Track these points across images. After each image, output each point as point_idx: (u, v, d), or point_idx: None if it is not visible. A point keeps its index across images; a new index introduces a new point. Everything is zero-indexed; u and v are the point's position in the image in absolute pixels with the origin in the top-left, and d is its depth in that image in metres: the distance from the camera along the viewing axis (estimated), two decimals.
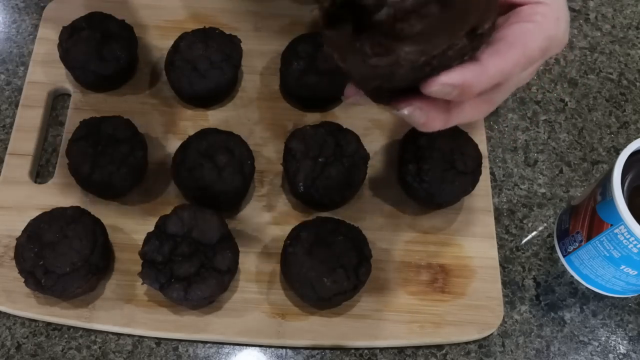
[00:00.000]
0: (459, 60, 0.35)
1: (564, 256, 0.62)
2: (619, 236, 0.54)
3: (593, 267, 0.58)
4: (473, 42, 0.34)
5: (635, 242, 0.53)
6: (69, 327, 0.57)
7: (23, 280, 0.54)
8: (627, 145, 0.55)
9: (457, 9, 0.32)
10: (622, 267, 0.56)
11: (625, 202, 0.53)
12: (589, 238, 0.57)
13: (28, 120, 0.65)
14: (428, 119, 0.39)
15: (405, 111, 0.39)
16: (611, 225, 0.54)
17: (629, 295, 0.61)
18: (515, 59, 0.38)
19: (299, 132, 0.60)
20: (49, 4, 0.71)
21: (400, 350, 0.58)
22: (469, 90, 0.37)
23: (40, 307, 0.57)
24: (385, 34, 0.32)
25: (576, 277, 0.61)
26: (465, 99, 0.39)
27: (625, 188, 0.55)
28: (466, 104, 0.40)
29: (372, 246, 0.57)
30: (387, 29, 0.31)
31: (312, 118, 0.67)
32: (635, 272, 0.56)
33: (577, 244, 0.59)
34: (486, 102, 0.41)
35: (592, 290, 0.61)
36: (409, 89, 0.36)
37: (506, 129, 0.69)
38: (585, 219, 0.57)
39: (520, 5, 0.42)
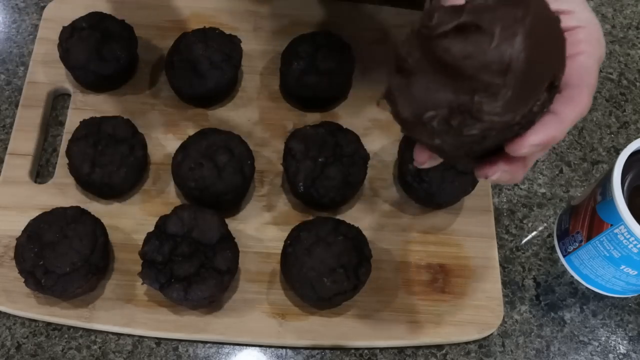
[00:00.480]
0: (540, 114, 0.35)
1: (564, 256, 0.62)
2: (619, 236, 0.54)
3: (593, 267, 0.58)
4: (551, 94, 0.34)
5: (635, 242, 0.53)
6: (69, 327, 0.57)
7: (23, 280, 0.54)
8: (627, 145, 0.55)
9: (539, 66, 0.32)
10: (622, 267, 0.56)
11: (625, 202, 0.53)
12: (589, 238, 0.57)
13: (28, 120, 0.65)
14: (513, 177, 0.40)
15: (494, 177, 0.39)
16: (611, 225, 0.54)
17: (629, 295, 0.61)
18: (586, 100, 0.39)
19: (299, 132, 0.60)
20: (49, 4, 0.71)
21: (400, 350, 0.58)
22: (553, 144, 0.38)
23: (40, 307, 0.57)
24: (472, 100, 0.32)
25: (576, 277, 0.61)
26: (518, 169, 0.39)
27: (625, 188, 0.55)
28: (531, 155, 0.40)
29: (372, 246, 0.57)
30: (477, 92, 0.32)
31: (312, 118, 0.67)
32: (635, 272, 0.56)
33: (577, 244, 0.59)
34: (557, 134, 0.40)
35: (592, 290, 0.61)
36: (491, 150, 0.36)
37: None
38: (585, 219, 0.57)
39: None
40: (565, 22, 0.39)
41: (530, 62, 0.32)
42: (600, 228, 0.55)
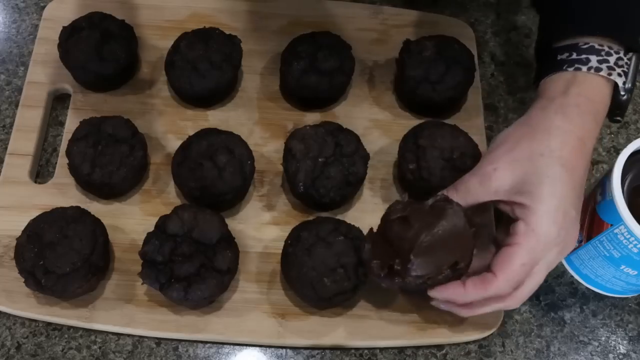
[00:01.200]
0: (447, 281, 0.51)
1: (565, 258, 0.61)
2: (619, 236, 0.54)
3: (593, 267, 0.58)
4: (455, 272, 0.51)
5: (635, 242, 0.53)
6: (69, 327, 0.57)
7: (23, 280, 0.54)
8: (627, 145, 0.55)
9: (440, 252, 0.50)
10: (622, 267, 0.56)
11: (625, 202, 0.53)
12: (589, 238, 0.57)
13: (28, 120, 0.65)
14: (455, 310, 0.53)
15: (437, 305, 0.53)
16: (611, 225, 0.54)
17: (629, 295, 0.61)
18: (497, 284, 0.50)
19: (299, 132, 0.60)
20: (49, 4, 0.71)
21: (400, 350, 0.58)
22: (454, 301, 0.52)
23: (40, 307, 0.57)
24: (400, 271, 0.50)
25: (576, 277, 0.61)
26: (454, 308, 0.53)
27: (625, 188, 0.54)
28: (476, 304, 0.52)
29: None
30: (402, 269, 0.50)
31: (312, 118, 0.67)
32: (636, 272, 0.56)
33: (577, 244, 0.59)
34: (498, 301, 0.52)
35: (592, 290, 0.61)
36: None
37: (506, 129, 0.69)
38: (585, 219, 0.57)
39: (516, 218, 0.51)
40: (519, 214, 0.50)
41: (430, 250, 0.50)
42: (600, 228, 0.55)
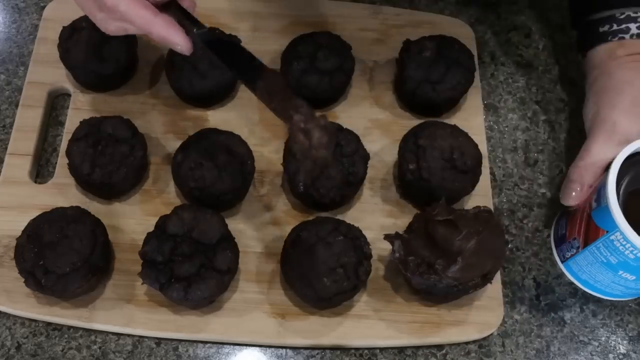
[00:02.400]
0: (474, 289, 0.56)
1: (562, 262, 0.61)
2: (615, 243, 0.53)
3: (592, 273, 0.58)
4: (484, 281, 0.55)
5: (631, 249, 0.52)
6: (69, 327, 0.57)
7: (23, 280, 0.54)
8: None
9: (479, 261, 0.54)
10: (620, 272, 0.55)
11: (621, 207, 0.52)
12: (585, 244, 0.57)
13: (28, 120, 0.65)
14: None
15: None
16: (607, 232, 0.53)
17: (629, 299, 0.61)
18: None
19: None
20: (49, 4, 0.71)
21: (400, 350, 0.58)
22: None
23: (40, 307, 0.57)
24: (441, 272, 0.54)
25: (576, 282, 0.61)
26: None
27: (620, 193, 0.54)
28: None
29: (372, 246, 0.57)
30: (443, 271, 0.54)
31: None
32: (634, 277, 0.55)
33: (574, 250, 0.58)
34: None
35: (592, 295, 0.61)
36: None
37: (506, 129, 0.69)
38: (582, 226, 0.57)
39: None
40: None
41: (473, 256, 0.53)
42: (597, 234, 0.55)
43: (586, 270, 0.58)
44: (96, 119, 0.61)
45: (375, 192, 0.64)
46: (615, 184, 0.53)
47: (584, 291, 0.61)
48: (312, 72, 0.64)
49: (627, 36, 0.59)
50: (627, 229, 0.51)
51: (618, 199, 0.53)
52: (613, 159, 0.54)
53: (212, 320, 0.57)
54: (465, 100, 0.68)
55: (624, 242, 0.52)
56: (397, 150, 0.63)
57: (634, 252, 0.52)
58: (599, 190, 0.54)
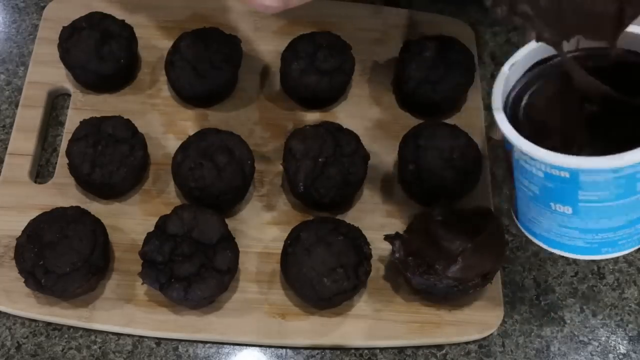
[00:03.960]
0: (473, 290, 0.56)
1: (517, 219, 0.52)
2: (521, 162, 0.45)
3: (535, 219, 0.49)
4: (484, 281, 0.55)
5: (535, 164, 0.44)
6: (69, 327, 0.57)
7: (23, 280, 0.54)
8: None
9: (479, 261, 0.54)
10: (552, 205, 0.46)
11: (526, 124, 0.45)
12: (513, 180, 0.49)
13: (28, 120, 0.65)
14: None
15: None
16: (511, 152, 0.46)
17: (596, 257, 0.50)
18: None
19: (299, 132, 0.60)
20: (49, 4, 0.71)
21: (400, 350, 0.58)
22: None
23: (40, 307, 0.57)
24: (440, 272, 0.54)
25: (535, 240, 0.51)
26: None
27: (523, 106, 0.47)
28: None
29: (372, 246, 0.57)
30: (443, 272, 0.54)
31: (312, 118, 0.67)
32: (570, 209, 0.45)
33: (512, 194, 0.51)
34: None
35: (557, 254, 0.52)
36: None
37: None
38: (507, 160, 0.49)
39: None
40: None
41: (473, 256, 0.53)
42: (510, 160, 0.47)
43: (530, 218, 0.49)
44: (96, 119, 0.61)
45: (375, 192, 0.64)
46: (502, 90, 0.47)
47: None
48: (312, 72, 0.64)
49: None
50: (513, 136, 0.43)
51: (506, 108, 0.46)
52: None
53: (212, 320, 0.57)
54: (465, 100, 0.68)
55: (525, 157, 0.44)
56: (397, 150, 0.63)
57: (541, 167, 0.43)
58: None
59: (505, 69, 0.48)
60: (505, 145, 0.47)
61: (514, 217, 0.53)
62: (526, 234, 0.52)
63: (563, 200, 0.45)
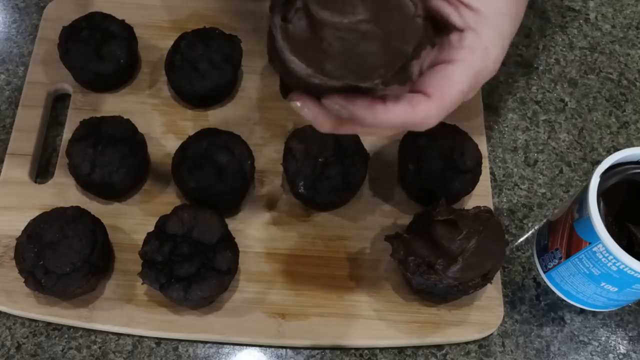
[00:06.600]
0: (473, 290, 0.56)
1: (544, 272, 0.61)
2: (597, 255, 0.53)
3: (574, 284, 0.58)
4: (484, 281, 0.55)
5: (614, 261, 0.52)
6: (69, 327, 0.57)
7: (23, 280, 0.54)
8: (627, 145, 0.55)
9: (479, 261, 0.54)
10: (603, 284, 0.55)
11: (602, 218, 0.52)
12: (568, 255, 0.56)
13: (28, 120, 0.65)
14: (347, 129, 0.44)
15: (332, 107, 0.41)
16: (589, 243, 0.53)
17: (612, 309, 0.60)
18: (425, 110, 0.40)
19: (299, 132, 0.60)
20: (49, 4, 0.71)
21: (400, 350, 0.58)
22: (361, 119, 0.40)
23: (40, 307, 0.57)
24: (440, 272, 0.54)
25: (558, 293, 0.60)
26: (347, 126, 0.44)
27: (601, 204, 0.53)
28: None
29: (372, 246, 0.57)
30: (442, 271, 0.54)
31: None
32: (616, 289, 0.55)
33: (556, 261, 0.58)
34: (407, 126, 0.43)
35: (575, 307, 0.60)
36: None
37: (506, 129, 0.69)
38: (564, 236, 0.56)
39: (450, 28, 0.41)
40: (465, 19, 0.41)
41: (473, 256, 0.53)
42: (579, 246, 0.54)
43: (568, 281, 0.58)
44: (96, 119, 0.61)
45: (375, 192, 0.64)
46: (596, 195, 0.52)
47: (567, 302, 0.60)
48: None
49: None
50: (609, 241, 0.51)
51: (599, 211, 0.52)
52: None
53: (212, 320, 0.57)
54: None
55: (607, 254, 0.52)
56: (397, 150, 0.63)
57: (617, 264, 0.52)
58: (581, 202, 0.54)
59: (597, 176, 0.53)
60: (579, 232, 0.54)
61: (538, 267, 0.61)
62: (550, 286, 0.60)
63: (616, 284, 0.54)
